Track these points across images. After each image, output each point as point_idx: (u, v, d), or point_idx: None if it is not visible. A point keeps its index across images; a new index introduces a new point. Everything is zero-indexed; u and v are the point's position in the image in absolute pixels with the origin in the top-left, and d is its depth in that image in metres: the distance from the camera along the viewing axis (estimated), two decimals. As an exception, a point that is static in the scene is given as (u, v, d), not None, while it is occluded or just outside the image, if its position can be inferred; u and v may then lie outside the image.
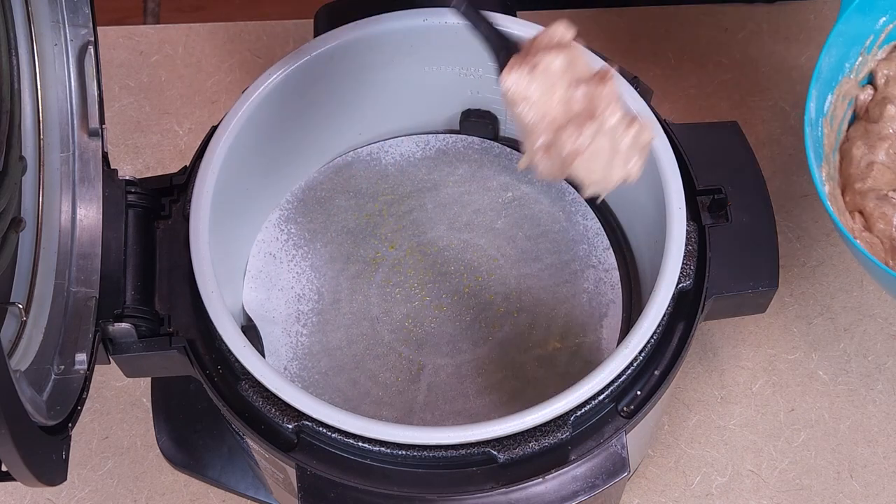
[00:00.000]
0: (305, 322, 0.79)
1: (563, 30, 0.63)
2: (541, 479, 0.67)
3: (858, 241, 0.79)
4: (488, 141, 0.85)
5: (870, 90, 0.86)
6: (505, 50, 0.63)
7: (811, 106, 0.79)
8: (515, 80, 0.61)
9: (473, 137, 0.85)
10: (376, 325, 0.79)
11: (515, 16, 0.78)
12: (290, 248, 0.81)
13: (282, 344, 0.78)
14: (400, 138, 0.85)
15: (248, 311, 0.79)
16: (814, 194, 0.97)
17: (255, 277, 0.80)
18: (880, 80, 0.86)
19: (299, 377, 0.77)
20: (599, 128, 0.61)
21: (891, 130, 0.85)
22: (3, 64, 0.66)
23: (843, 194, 0.84)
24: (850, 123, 0.87)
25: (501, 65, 0.62)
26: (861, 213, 0.83)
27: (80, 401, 0.67)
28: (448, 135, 0.84)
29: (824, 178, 0.81)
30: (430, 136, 0.85)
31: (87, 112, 0.73)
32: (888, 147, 0.84)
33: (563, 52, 0.62)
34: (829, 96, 0.82)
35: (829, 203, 0.78)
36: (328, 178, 0.84)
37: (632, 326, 0.69)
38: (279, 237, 0.82)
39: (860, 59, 0.84)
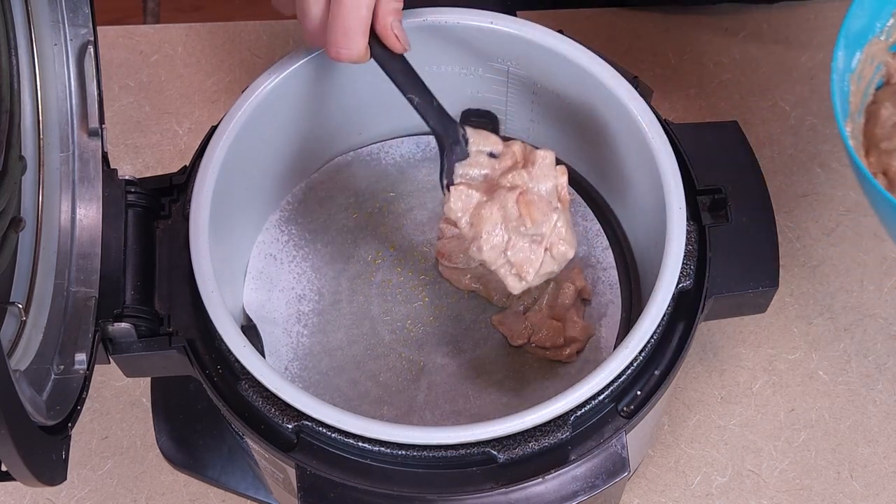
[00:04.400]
0: (306, 322, 0.79)
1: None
2: (541, 479, 0.67)
3: None
4: (488, 142, 0.84)
5: None
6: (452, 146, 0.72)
7: (839, 54, 0.78)
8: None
9: (473, 139, 0.85)
10: (377, 326, 0.79)
11: (515, 15, 0.78)
12: (291, 248, 0.81)
13: (282, 344, 0.78)
14: (400, 139, 0.85)
15: (248, 312, 0.79)
16: (814, 194, 0.97)
17: (256, 278, 0.80)
18: None
19: (300, 377, 0.77)
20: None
21: None
22: (3, 64, 0.66)
23: (867, 155, 0.83)
24: (878, 88, 0.86)
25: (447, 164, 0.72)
26: (885, 174, 0.83)
27: (80, 401, 0.67)
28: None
29: (850, 133, 0.80)
30: (431, 137, 0.84)
31: (87, 112, 0.73)
32: None
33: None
34: (858, 53, 0.81)
35: (854, 152, 0.76)
36: (328, 177, 0.84)
37: (631, 326, 0.69)
38: (279, 238, 0.82)
39: (892, 20, 0.83)
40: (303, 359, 0.78)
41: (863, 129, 0.83)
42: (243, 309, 0.79)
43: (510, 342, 0.77)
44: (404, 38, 0.71)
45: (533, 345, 0.77)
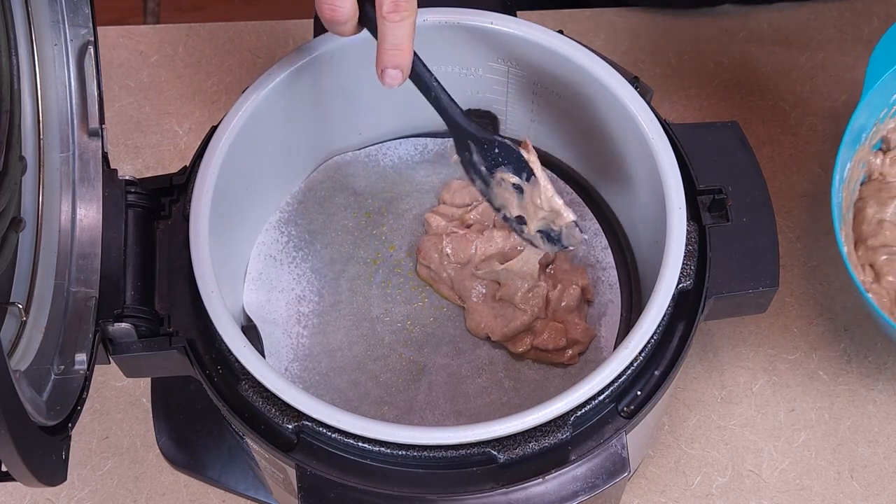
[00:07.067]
0: (306, 324, 0.79)
1: None
2: (541, 480, 0.67)
3: (869, 294, 0.83)
4: (486, 143, 0.84)
5: (880, 155, 0.91)
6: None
7: (836, 177, 0.84)
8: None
9: (471, 140, 0.85)
10: (377, 326, 0.79)
11: (515, 15, 0.78)
12: (291, 249, 0.81)
13: (283, 345, 0.78)
14: (399, 140, 0.85)
15: (248, 313, 0.79)
16: (814, 194, 0.97)
17: (256, 280, 0.80)
18: (893, 144, 0.91)
19: (300, 378, 0.77)
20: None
21: None
22: (3, 64, 0.66)
23: (856, 249, 0.87)
24: (862, 183, 0.90)
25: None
26: (871, 266, 0.86)
27: (80, 401, 0.67)
28: (446, 139, 0.84)
29: (843, 239, 0.84)
30: (429, 139, 0.85)
31: (87, 112, 0.73)
32: None
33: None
34: (848, 164, 0.86)
35: (849, 262, 0.82)
36: (328, 176, 0.84)
37: (632, 326, 0.69)
38: (279, 239, 0.82)
39: (874, 128, 0.89)
40: (303, 360, 0.78)
41: (852, 225, 0.87)
42: (243, 309, 0.79)
43: (511, 350, 0.77)
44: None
45: (534, 349, 0.77)
